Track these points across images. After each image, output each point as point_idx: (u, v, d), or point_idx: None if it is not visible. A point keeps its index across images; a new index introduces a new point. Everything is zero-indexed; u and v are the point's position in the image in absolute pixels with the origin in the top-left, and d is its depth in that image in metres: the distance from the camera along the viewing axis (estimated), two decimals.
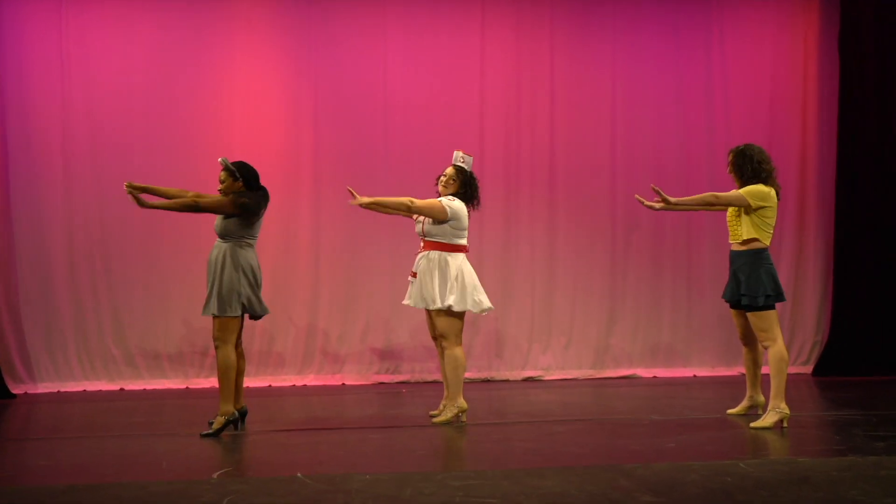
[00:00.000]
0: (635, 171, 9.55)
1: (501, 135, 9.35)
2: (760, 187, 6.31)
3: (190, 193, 6.34)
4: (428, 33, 9.24)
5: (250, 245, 6.21)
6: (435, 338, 6.62)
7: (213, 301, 6.10)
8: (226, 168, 6.27)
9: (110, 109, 8.70)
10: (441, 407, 6.58)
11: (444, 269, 6.42)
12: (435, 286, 6.38)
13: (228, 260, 6.11)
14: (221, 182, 6.26)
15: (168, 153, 8.74)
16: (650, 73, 9.59)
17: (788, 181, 9.62)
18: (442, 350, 6.54)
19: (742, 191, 6.31)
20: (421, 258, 6.55)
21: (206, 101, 8.85)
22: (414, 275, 6.56)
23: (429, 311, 6.53)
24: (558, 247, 9.47)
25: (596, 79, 9.53)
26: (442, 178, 6.68)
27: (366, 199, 6.43)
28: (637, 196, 6.61)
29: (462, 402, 6.46)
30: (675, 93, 9.61)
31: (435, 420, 6.47)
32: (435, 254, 6.47)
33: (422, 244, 6.61)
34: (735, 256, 6.41)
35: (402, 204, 6.47)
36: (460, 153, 6.75)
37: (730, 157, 6.49)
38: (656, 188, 6.38)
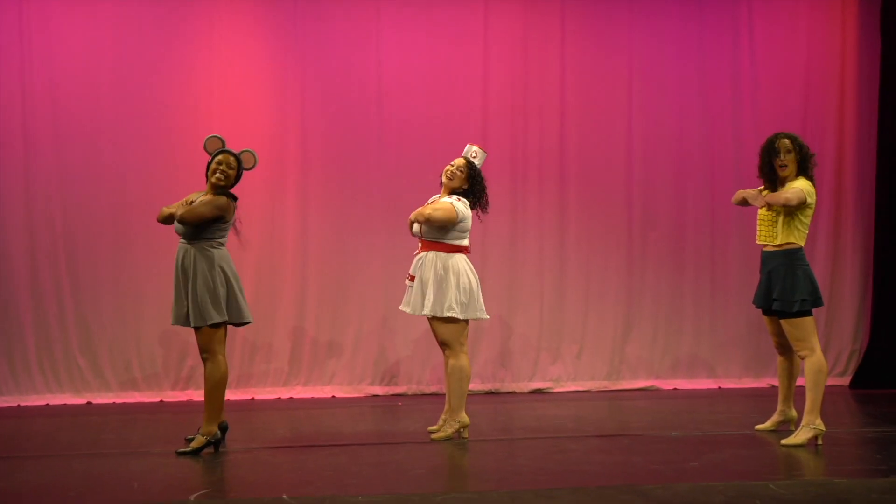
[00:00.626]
0: (654, 164, 9.55)
1: (507, 124, 9.34)
2: (809, 183, 6.32)
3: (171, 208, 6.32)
4: (425, 13, 9.23)
5: (222, 245, 6.19)
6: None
7: (190, 311, 6.07)
8: (237, 158, 6.22)
9: (75, 96, 8.68)
10: (441, 422, 6.58)
11: (444, 272, 6.41)
12: (430, 291, 6.38)
13: (202, 262, 6.08)
14: (225, 172, 6.18)
15: (140, 143, 8.74)
16: (670, 56, 9.59)
17: (824, 175, 9.62)
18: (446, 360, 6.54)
19: (801, 186, 6.25)
20: (419, 260, 6.54)
21: (182, 87, 8.84)
22: (411, 278, 6.56)
23: (430, 319, 6.53)
24: (569, 246, 9.47)
25: (611, 63, 9.52)
26: (449, 168, 6.66)
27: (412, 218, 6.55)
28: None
29: (464, 417, 6.46)
30: (698, 78, 9.61)
31: (434, 436, 6.47)
32: (433, 255, 6.46)
33: (420, 245, 6.60)
34: (768, 257, 6.39)
35: (421, 215, 6.50)
36: (474, 147, 6.74)
37: (787, 144, 6.38)
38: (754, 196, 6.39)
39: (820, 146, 9.62)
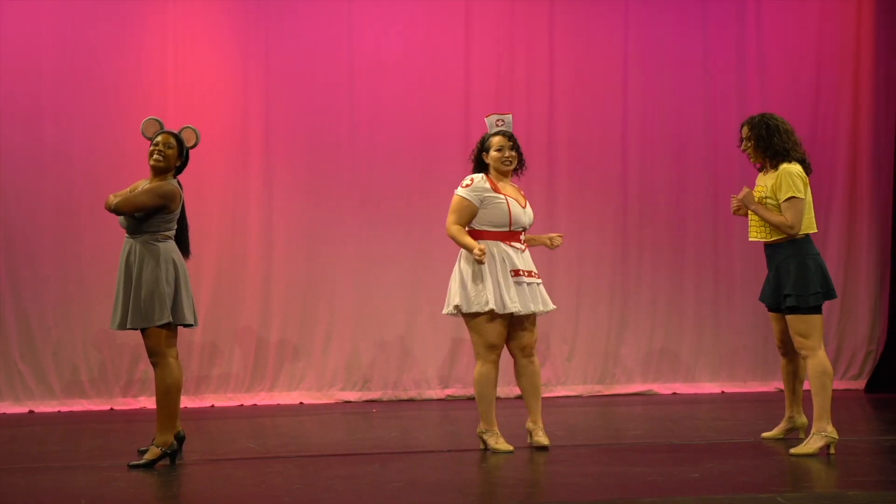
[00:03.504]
0: (651, 152, 9.60)
1: (490, 107, 9.26)
2: (794, 169, 6.28)
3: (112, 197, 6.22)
4: None
5: (169, 238, 6.12)
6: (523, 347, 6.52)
7: (133, 312, 6.01)
8: (177, 137, 6.15)
9: (14, 72, 8.62)
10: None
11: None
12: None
13: (148, 258, 6.03)
14: (163, 153, 6.11)
15: (87, 129, 8.70)
16: (670, 31, 9.63)
17: (838, 161, 9.68)
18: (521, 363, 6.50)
19: (782, 187, 6.25)
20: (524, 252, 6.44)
21: (131, 63, 8.80)
22: (530, 273, 6.37)
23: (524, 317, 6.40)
24: None
25: (605, 39, 9.56)
26: (499, 154, 6.33)
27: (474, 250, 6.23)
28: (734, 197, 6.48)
29: None
30: (700, 56, 9.67)
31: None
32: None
33: (522, 237, 6.42)
34: (774, 251, 6.38)
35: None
36: (496, 116, 6.49)
37: (745, 131, 6.42)
38: (737, 198, 6.38)
39: (834, 131, 9.68)
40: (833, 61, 9.76)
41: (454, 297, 6.34)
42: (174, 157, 6.17)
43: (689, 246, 9.67)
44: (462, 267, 6.34)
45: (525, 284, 6.32)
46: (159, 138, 6.16)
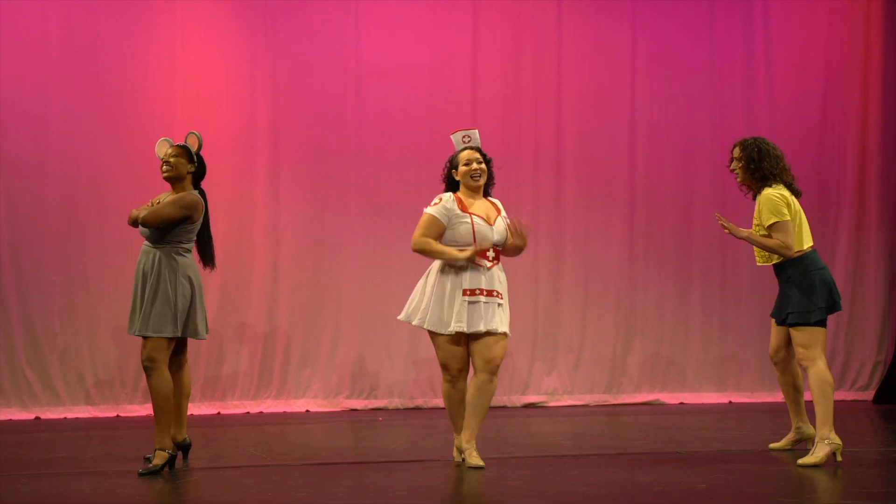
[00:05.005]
0: (658, 157, 9.61)
1: (498, 113, 9.38)
2: (773, 192, 6.31)
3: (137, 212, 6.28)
4: None
5: (188, 252, 6.20)
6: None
7: (143, 318, 6.07)
8: (184, 146, 6.22)
9: (21, 77, 8.62)
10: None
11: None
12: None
13: (165, 270, 6.09)
14: (168, 162, 6.19)
15: (93, 131, 8.71)
16: (678, 36, 9.63)
17: (846, 168, 9.68)
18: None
19: (763, 213, 6.30)
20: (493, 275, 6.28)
21: (138, 68, 8.81)
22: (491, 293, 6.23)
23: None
24: (566, 247, 9.52)
25: (612, 44, 9.57)
26: (468, 168, 6.20)
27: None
28: (718, 216, 6.49)
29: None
30: (707, 65, 9.68)
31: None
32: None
33: (492, 255, 6.28)
34: (780, 270, 6.43)
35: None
36: (461, 133, 6.32)
37: (737, 152, 6.48)
38: (722, 220, 6.38)
39: (842, 137, 9.67)
40: (841, 69, 9.76)
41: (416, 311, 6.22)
42: (182, 163, 6.23)
43: (696, 254, 9.66)
44: (427, 281, 6.24)
45: (481, 303, 6.11)
46: (165, 151, 6.25)
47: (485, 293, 6.14)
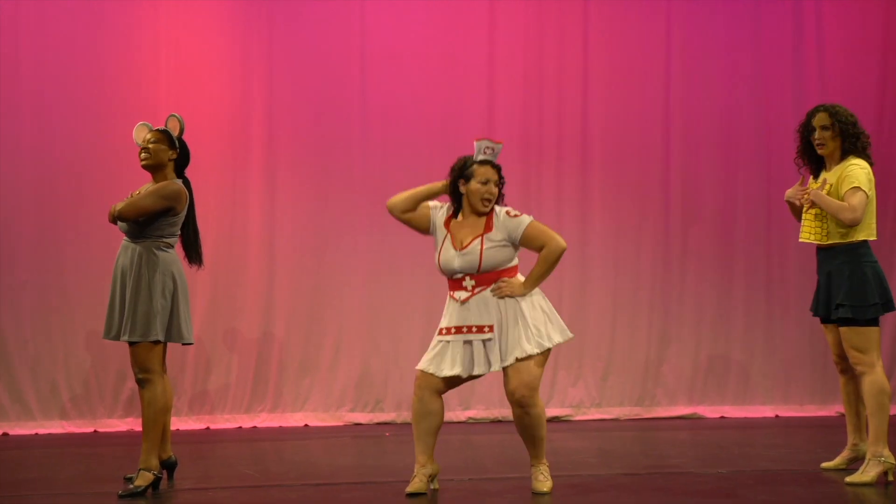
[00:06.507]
0: (696, 148, 9.60)
1: (518, 96, 9.38)
2: (868, 171, 6.31)
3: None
4: None
5: (171, 247, 6.20)
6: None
7: (129, 322, 6.06)
8: (162, 130, 6.22)
9: None
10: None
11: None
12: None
13: (146, 267, 6.09)
14: (147, 149, 6.19)
15: (67, 115, 8.73)
16: (718, 11, 9.62)
17: None
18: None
19: (858, 180, 6.26)
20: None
21: (118, 47, 8.83)
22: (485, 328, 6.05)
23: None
24: (593, 245, 9.52)
25: (645, 25, 9.57)
26: (483, 189, 5.96)
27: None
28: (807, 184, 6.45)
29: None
30: (751, 38, 9.65)
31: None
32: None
33: (467, 283, 6.06)
34: (827, 254, 6.41)
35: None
36: (485, 142, 6.06)
37: (824, 119, 6.39)
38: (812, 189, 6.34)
39: None
40: None
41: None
42: (163, 150, 6.22)
43: (738, 251, 9.66)
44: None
45: (451, 343, 5.96)
46: (143, 137, 6.25)
47: (453, 331, 5.96)
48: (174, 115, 6.32)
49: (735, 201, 9.64)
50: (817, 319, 6.71)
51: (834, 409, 9.41)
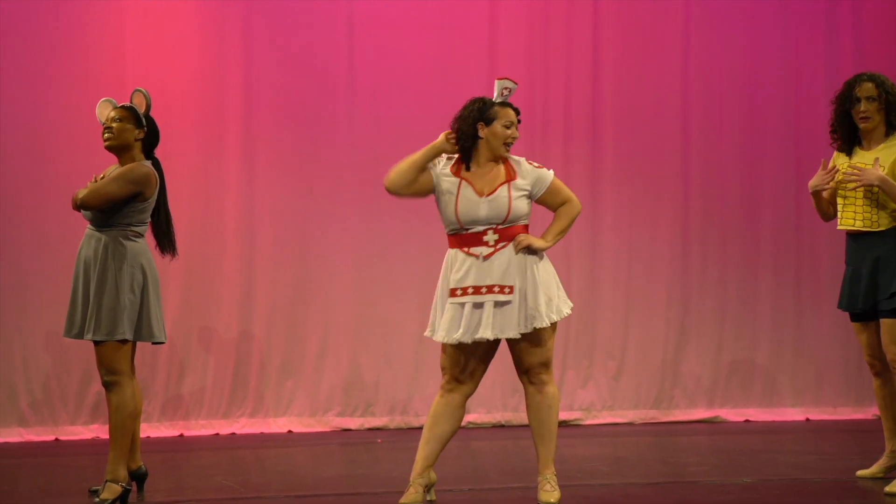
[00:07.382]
0: (718, 123, 9.61)
1: (521, 68, 9.33)
2: None
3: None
4: None
5: (140, 236, 6.15)
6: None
7: (94, 319, 6.02)
8: (129, 108, 6.16)
9: None
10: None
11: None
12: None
13: (112, 259, 6.04)
14: (110, 128, 6.12)
15: (25, 93, 8.69)
16: None
17: None
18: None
19: None
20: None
21: (78, 16, 8.77)
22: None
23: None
24: (604, 234, 9.53)
25: None
26: (507, 131, 5.94)
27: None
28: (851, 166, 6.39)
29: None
30: (778, 9, 9.64)
31: None
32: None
33: (488, 238, 6.06)
34: (875, 240, 6.37)
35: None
36: (507, 82, 6.05)
37: (870, 89, 6.32)
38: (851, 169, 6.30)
39: None
40: None
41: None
42: (128, 129, 6.16)
43: (764, 242, 9.69)
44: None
45: (468, 305, 5.85)
46: (107, 116, 6.21)
47: (470, 291, 5.86)
48: (140, 90, 6.25)
49: (761, 185, 9.65)
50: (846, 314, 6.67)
51: (870, 411, 9.48)
